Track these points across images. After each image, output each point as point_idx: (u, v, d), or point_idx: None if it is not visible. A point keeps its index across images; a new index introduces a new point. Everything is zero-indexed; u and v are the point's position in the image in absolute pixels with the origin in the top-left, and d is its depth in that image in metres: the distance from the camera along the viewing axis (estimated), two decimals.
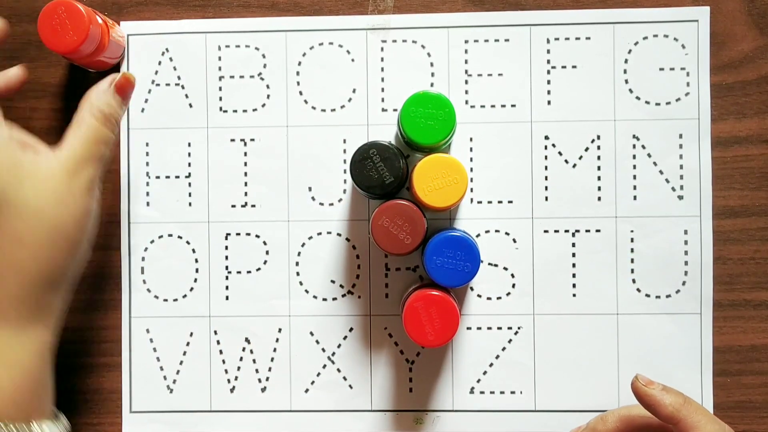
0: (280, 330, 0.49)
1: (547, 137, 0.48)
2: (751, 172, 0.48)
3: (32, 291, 0.39)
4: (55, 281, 0.40)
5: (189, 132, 0.49)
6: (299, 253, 0.49)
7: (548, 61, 0.48)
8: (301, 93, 0.49)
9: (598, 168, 0.48)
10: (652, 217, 0.48)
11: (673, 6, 0.48)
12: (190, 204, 0.49)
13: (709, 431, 0.38)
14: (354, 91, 0.49)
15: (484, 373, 0.48)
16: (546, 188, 0.48)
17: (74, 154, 0.40)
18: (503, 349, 0.48)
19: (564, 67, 0.48)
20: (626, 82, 0.48)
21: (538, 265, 0.48)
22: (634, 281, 0.48)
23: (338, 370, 0.49)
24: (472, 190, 0.48)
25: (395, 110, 0.49)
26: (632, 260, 0.48)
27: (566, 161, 0.48)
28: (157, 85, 0.49)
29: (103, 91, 0.42)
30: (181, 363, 0.49)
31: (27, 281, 0.39)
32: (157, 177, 0.49)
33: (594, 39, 0.48)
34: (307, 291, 0.49)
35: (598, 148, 0.48)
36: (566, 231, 0.48)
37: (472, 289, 0.48)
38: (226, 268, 0.49)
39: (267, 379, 0.49)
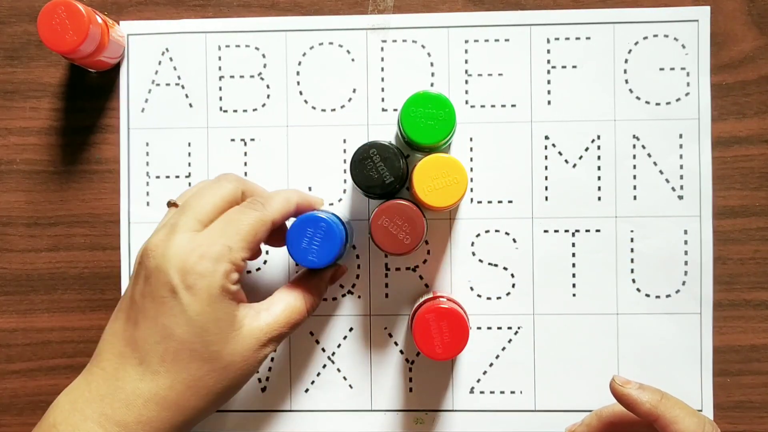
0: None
1: (547, 137, 0.48)
2: (751, 172, 0.48)
3: (177, 427, 0.39)
4: (191, 426, 0.40)
5: (189, 132, 0.49)
6: None
7: (548, 61, 0.48)
8: (301, 93, 0.49)
9: (598, 168, 0.48)
10: (652, 217, 0.48)
11: (673, 6, 0.48)
12: None
13: (688, 425, 0.39)
14: (354, 91, 0.49)
15: (484, 373, 0.48)
16: (546, 188, 0.48)
17: (274, 330, 0.41)
18: (503, 349, 0.48)
19: (564, 67, 0.48)
20: (626, 82, 0.48)
21: (538, 265, 0.48)
22: (634, 281, 0.48)
23: (338, 370, 0.49)
24: (472, 190, 0.48)
25: (395, 110, 0.49)
26: (632, 260, 0.48)
27: (566, 161, 0.48)
28: (157, 85, 0.49)
29: (322, 280, 0.44)
30: None
31: (178, 424, 0.38)
32: (157, 177, 0.49)
33: (594, 39, 0.48)
34: None
35: (598, 148, 0.48)
36: (566, 231, 0.48)
37: (472, 289, 0.48)
38: None
39: (267, 379, 0.49)
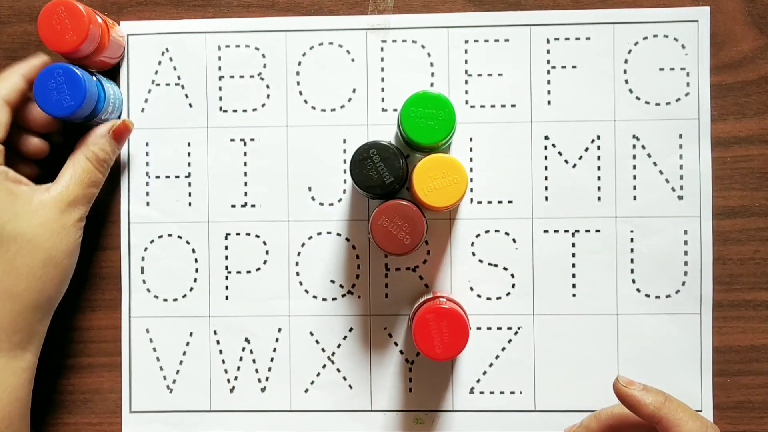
0: (279, 330, 0.49)
1: (547, 137, 0.48)
2: (751, 173, 0.48)
3: (25, 319, 0.42)
4: (45, 309, 0.43)
5: (189, 132, 0.49)
6: (299, 253, 0.49)
7: (548, 61, 0.48)
8: (301, 93, 0.49)
9: (598, 168, 0.48)
10: (652, 218, 0.48)
11: (673, 6, 0.48)
12: (189, 204, 0.49)
13: (690, 428, 0.39)
14: (354, 91, 0.49)
15: (484, 373, 0.48)
16: (546, 188, 0.48)
17: (67, 192, 0.43)
18: (503, 349, 0.48)
19: (564, 67, 0.48)
20: (626, 82, 0.48)
21: (538, 265, 0.48)
22: (633, 281, 0.48)
23: (338, 370, 0.49)
24: (472, 190, 0.48)
25: (395, 110, 0.49)
26: (632, 260, 0.48)
27: (566, 161, 0.48)
28: (157, 85, 0.49)
29: (101, 136, 0.46)
30: (180, 363, 0.49)
31: (21, 310, 0.41)
32: (157, 177, 0.49)
33: (594, 39, 0.48)
34: (306, 291, 0.49)
35: (598, 148, 0.48)
36: (566, 231, 0.48)
37: (472, 289, 0.48)
38: (226, 268, 0.49)
39: (267, 379, 0.49)
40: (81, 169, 0.44)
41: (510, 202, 0.48)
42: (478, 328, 0.48)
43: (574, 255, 0.48)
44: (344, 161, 0.49)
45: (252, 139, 0.49)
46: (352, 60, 0.49)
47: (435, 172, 0.42)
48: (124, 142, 0.47)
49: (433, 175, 0.42)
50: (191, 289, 0.49)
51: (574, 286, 0.48)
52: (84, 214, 0.45)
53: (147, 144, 0.49)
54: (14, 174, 0.43)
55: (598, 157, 0.48)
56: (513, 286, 0.48)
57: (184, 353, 0.49)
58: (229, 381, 0.49)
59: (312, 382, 0.49)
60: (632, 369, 0.48)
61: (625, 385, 0.41)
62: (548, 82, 0.48)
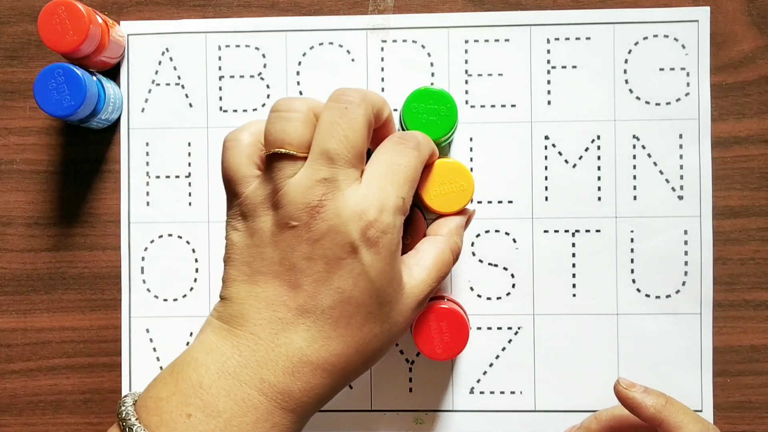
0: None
1: (547, 137, 0.48)
2: (751, 173, 0.48)
3: (337, 391, 0.36)
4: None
5: (189, 132, 0.49)
6: None
7: (548, 61, 0.48)
8: (301, 93, 0.49)
9: (598, 168, 0.48)
10: (652, 218, 0.48)
11: (673, 6, 0.48)
12: (190, 204, 0.49)
13: (691, 430, 0.39)
14: None
15: (484, 373, 0.48)
16: (546, 188, 0.48)
17: (430, 285, 0.38)
18: (503, 349, 0.48)
19: (564, 67, 0.48)
20: (626, 82, 0.48)
21: (538, 265, 0.48)
22: (634, 281, 0.48)
23: None
24: None
25: (395, 110, 0.49)
26: (632, 260, 0.48)
27: (566, 161, 0.48)
28: (157, 84, 0.49)
29: (460, 227, 0.41)
30: None
31: (341, 385, 0.36)
32: (157, 177, 0.49)
33: (594, 39, 0.48)
34: None
35: (598, 148, 0.48)
36: (566, 231, 0.48)
37: (472, 289, 0.48)
38: None
39: None
40: (444, 260, 0.38)
41: (510, 202, 0.48)
42: (478, 328, 0.48)
43: (574, 255, 0.48)
44: None
45: None
46: (352, 60, 0.49)
47: (442, 178, 0.41)
48: None
49: (440, 181, 0.41)
50: (191, 289, 0.49)
51: (574, 286, 0.48)
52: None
53: (147, 144, 0.49)
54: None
55: (598, 157, 0.48)
56: (513, 286, 0.48)
57: None
58: None
59: None
60: (632, 369, 0.48)
61: (626, 387, 0.41)
62: (548, 82, 0.48)
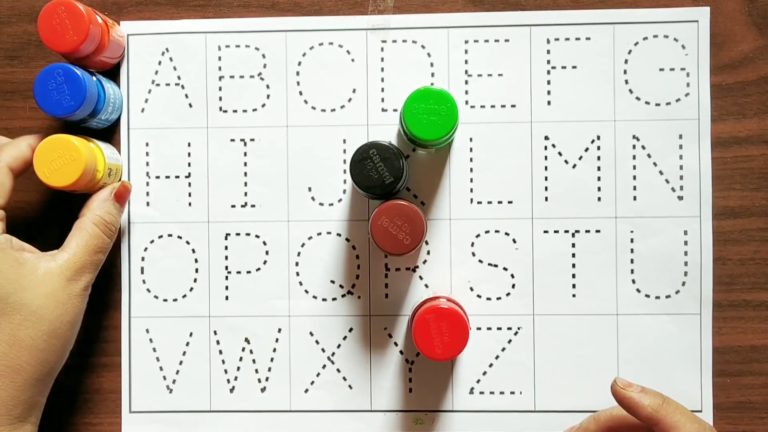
0: (279, 330, 0.49)
1: (547, 137, 0.48)
2: (751, 173, 0.48)
3: (26, 392, 0.40)
4: (47, 381, 0.42)
5: (189, 132, 0.49)
6: (299, 253, 0.49)
7: (548, 62, 0.48)
8: (301, 93, 0.49)
9: (598, 168, 0.48)
10: (652, 218, 0.48)
11: (673, 6, 0.48)
12: (190, 204, 0.49)
13: (688, 430, 0.39)
14: (354, 91, 0.49)
15: (484, 373, 0.48)
16: (546, 188, 0.48)
17: (75, 259, 0.42)
18: (503, 349, 0.48)
19: (564, 67, 0.48)
20: (626, 82, 0.48)
21: (537, 266, 0.48)
22: (633, 281, 0.48)
23: (338, 371, 0.49)
24: (472, 190, 0.48)
25: (395, 110, 0.49)
26: (632, 260, 0.48)
27: (566, 161, 0.48)
28: (157, 85, 0.49)
29: (104, 200, 0.45)
30: (180, 363, 0.49)
31: (22, 383, 0.40)
32: (157, 177, 0.49)
33: (594, 39, 0.48)
34: (306, 291, 0.49)
35: (598, 148, 0.48)
36: (566, 231, 0.48)
37: (471, 289, 0.48)
38: (226, 268, 0.49)
39: (267, 379, 0.49)
40: (88, 235, 0.43)
41: (510, 202, 0.48)
42: (478, 329, 0.48)
43: (574, 255, 0.48)
44: (344, 161, 0.49)
45: (252, 139, 0.49)
46: (352, 60, 0.49)
47: (49, 155, 0.43)
48: (126, 203, 0.47)
49: (48, 159, 0.43)
50: (191, 289, 0.49)
51: (574, 286, 0.48)
52: (90, 282, 0.43)
53: (147, 144, 0.49)
54: (18, 242, 0.43)
55: (598, 158, 0.48)
56: (513, 286, 0.48)
57: (184, 353, 0.49)
58: (228, 381, 0.49)
59: (312, 383, 0.49)
60: (632, 369, 0.48)
61: (623, 387, 0.41)
62: (548, 82, 0.48)
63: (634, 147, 0.48)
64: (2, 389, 0.39)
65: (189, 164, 0.49)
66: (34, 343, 0.40)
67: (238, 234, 0.49)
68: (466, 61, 0.48)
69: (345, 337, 0.49)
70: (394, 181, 0.43)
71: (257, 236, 0.49)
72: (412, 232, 0.43)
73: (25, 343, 0.39)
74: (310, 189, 0.49)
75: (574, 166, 0.48)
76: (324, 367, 0.49)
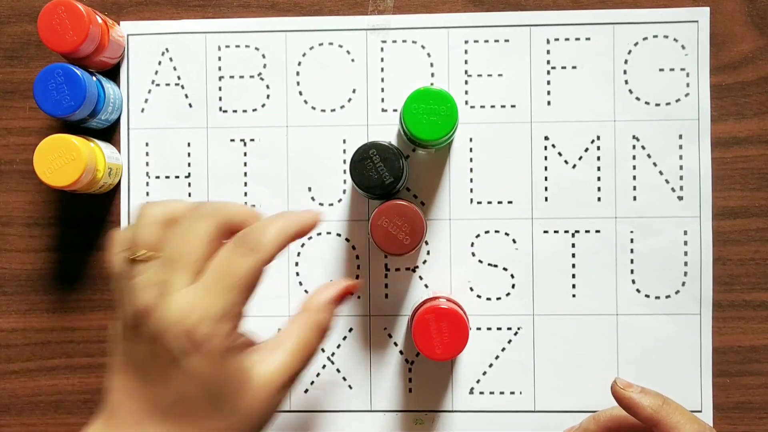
0: (279, 330, 0.49)
1: (546, 137, 0.48)
2: (751, 173, 0.48)
3: None
4: None
5: (189, 132, 0.49)
6: (299, 254, 0.49)
7: (548, 62, 0.48)
8: (301, 93, 0.49)
9: (598, 168, 0.48)
10: (652, 218, 0.48)
11: (673, 7, 0.48)
12: None
13: (688, 430, 0.39)
14: (354, 91, 0.49)
15: (484, 373, 0.48)
16: (546, 189, 0.48)
17: (291, 370, 0.38)
18: (503, 349, 0.48)
19: (564, 67, 0.48)
20: (626, 82, 0.48)
21: (537, 266, 0.48)
22: (633, 282, 0.48)
23: (338, 371, 0.49)
24: (471, 190, 0.48)
25: (395, 110, 0.49)
26: (632, 261, 0.48)
27: (566, 162, 0.48)
28: (157, 85, 0.49)
29: (330, 302, 0.41)
30: None
31: None
32: (157, 177, 0.49)
33: (594, 39, 0.48)
34: (306, 291, 0.49)
35: (598, 148, 0.48)
36: (566, 231, 0.48)
37: (471, 289, 0.48)
38: None
39: None
40: (306, 343, 0.39)
41: (510, 202, 0.48)
42: (478, 329, 0.48)
43: (574, 255, 0.48)
44: (344, 161, 0.49)
45: (252, 139, 0.49)
46: (352, 60, 0.49)
47: (51, 153, 0.43)
48: None
49: (49, 158, 0.43)
50: None
51: (573, 286, 0.48)
52: (292, 389, 0.40)
53: (147, 144, 0.49)
54: (247, 338, 0.39)
55: (598, 158, 0.48)
56: (513, 286, 0.48)
57: None
58: None
59: (312, 383, 0.49)
60: (632, 369, 0.48)
61: (623, 387, 0.41)
62: (548, 82, 0.48)
63: (634, 147, 0.48)
64: None
65: (189, 164, 0.49)
66: None
67: None
68: (466, 61, 0.48)
69: (345, 337, 0.49)
70: (394, 181, 0.43)
71: None
72: (411, 232, 0.43)
73: None
74: (310, 189, 0.49)
75: (574, 166, 0.48)
76: (324, 367, 0.49)
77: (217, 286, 0.36)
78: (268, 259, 0.37)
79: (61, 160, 0.43)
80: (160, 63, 0.49)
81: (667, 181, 0.48)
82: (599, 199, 0.48)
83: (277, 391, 0.38)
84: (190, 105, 0.49)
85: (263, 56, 0.49)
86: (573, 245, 0.48)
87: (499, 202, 0.48)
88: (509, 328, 0.48)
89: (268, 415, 0.38)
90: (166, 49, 0.49)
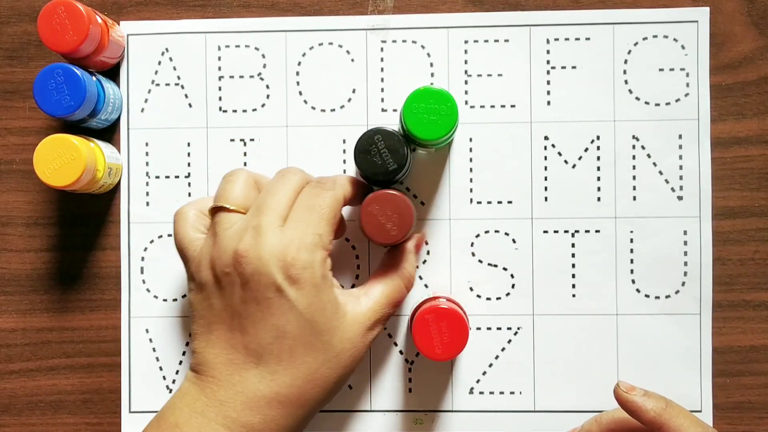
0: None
1: (546, 137, 0.48)
2: (751, 173, 0.48)
3: (302, 424, 0.40)
4: (311, 418, 0.41)
5: (189, 132, 0.49)
6: None
7: (548, 62, 0.48)
8: (300, 93, 0.49)
9: (598, 168, 0.48)
10: (652, 218, 0.48)
11: (673, 7, 0.48)
12: None
13: None
14: (354, 91, 0.49)
15: (484, 373, 0.48)
16: (545, 189, 0.48)
17: (377, 309, 0.42)
18: (503, 349, 0.48)
19: (564, 67, 0.48)
20: (626, 82, 0.48)
21: (537, 266, 0.48)
22: (633, 282, 0.48)
23: None
24: (471, 190, 0.48)
25: (395, 110, 0.49)
26: (632, 261, 0.48)
27: (566, 162, 0.48)
28: (157, 85, 0.49)
29: (411, 252, 0.45)
30: (180, 363, 0.49)
31: (303, 416, 0.39)
32: (157, 177, 0.49)
33: (594, 39, 0.48)
34: None
35: (598, 148, 0.48)
36: (566, 231, 0.48)
37: (471, 289, 0.48)
38: None
39: None
40: (393, 289, 0.43)
41: (510, 202, 0.48)
42: (478, 329, 0.48)
43: (573, 255, 0.48)
44: (344, 161, 0.49)
45: (252, 139, 0.49)
46: (352, 60, 0.49)
47: (51, 153, 0.43)
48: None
49: (49, 157, 0.43)
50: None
51: (573, 286, 0.48)
52: (378, 334, 0.43)
53: (147, 144, 0.49)
54: (334, 280, 0.41)
55: (598, 158, 0.48)
56: (513, 286, 0.48)
57: (184, 353, 0.49)
58: None
59: None
60: (632, 369, 0.48)
61: (626, 390, 0.41)
62: (548, 82, 0.48)
63: (633, 147, 0.48)
64: (287, 418, 0.39)
65: (189, 164, 0.49)
66: (327, 384, 0.40)
67: None
68: (465, 62, 0.48)
69: None
70: (398, 168, 0.42)
71: None
72: (399, 223, 0.42)
73: (319, 382, 0.39)
74: None
75: (574, 166, 0.48)
76: None
77: (306, 220, 0.39)
78: (344, 193, 0.42)
79: (61, 160, 0.43)
80: (160, 63, 0.49)
81: (666, 181, 0.48)
82: (599, 199, 0.48)
83: (366, 330, 0.41)
84: (190, 105, 0.49)
85: (263, 56, 0.49)
86: (573, 245, 0.48)
87: (499, 202, 0.48)
88: (509, 328, 0.48)
89: (358, 355, 0.41)
90: (166, 49, 0.49)
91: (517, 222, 0.48)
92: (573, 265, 0.48)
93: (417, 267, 0.47)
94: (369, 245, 0.49)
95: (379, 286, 0.43)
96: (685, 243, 0.48)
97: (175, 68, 0.49)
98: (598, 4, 0.48)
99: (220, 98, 0.49)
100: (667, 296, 0.48)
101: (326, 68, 0.49)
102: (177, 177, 0.49)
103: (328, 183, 0.41)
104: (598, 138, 0.48)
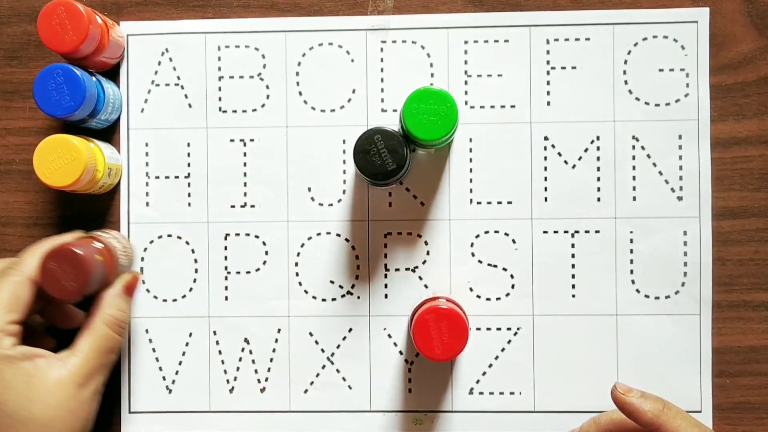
0: (279, 330, 0.49)
1: (546, 138, 0.48)
2: (751, 173, 0.48)
3: None
4: None
5: (188, 132, 0.49)
6: (298, 254, 0.49)
7: (548, 62, 0.48)
8: (300, 93, 0.49)
9: (598, 169, 0.48)
10: (652, 218, 0.48)
11: (673, 7, 0.48)
12: (189, 204, 0.49)
13: None
14: (354, 91, 0.49)
15: (484, 373, 0.48)
16: (545, 189, 0.48)
17: (85, 364, 0.41)
18: (502, 349, 0.48)
19: (563, 67, 0.48)
20: (626, 83, 0.48)
21: (537, 266, 0.48)
22: (633, 282, 0.48)
23: (337, 371, 0.49)
24: (471, 190, 0.48)
25: (395, 110, 0.49)
26: (632, 261, 0.48)
27: (566, 162, 0.48)
28: (157, 85, 0.49)
29: (115, 296, 0.44)
30: (180, 363, 0.49)
31: None
32: (157, 177, 0.49)
33: (593, 40, 0.48)
34: (306, 291, 0.49)
35: (598, 148, 0.48)
36: (566, 232, 0.48)
37: (471, 289, 0.48)
38: (226, 268, 0.49)
39: (266, 379, 0.49)
40: (99, 337, 0.42)
41: (509, 202, 0.48)
42: (478, 329, 0.48)
43: (573, 256, 0.48)
44: (344, 162, 0.49)
45: (252, 140, 0.49)
46: (352, 60, 0.49)
47: (51, 153, 0.43)
48: (135, 294, 0.46)
49: (49, 158, 0.43)
50: (191, 289, 0.49)
51: (573, 286, 0.48)
52: (102, 383, 0.42)
53: (147, 144, 0.49)
54: (30, 350, 0.41)
55: (598, 158, 0.48)
56: (512, 286, 0.48)
57: (184, 353, 0.49)
58: (228, 381, 0.49)
59: (311, 383, 0.49)
60: (631, 370, 0.48)
61: (623, 392, 0.41)
62: (548, 82, 0.48)
63: (633, 147, 0.48)
64: None
65: (189, 164, 0.49)
66: None
67: (237, 234, 0.49)
68: (465, 62, 0.48)
69: (344, 338, 0.49)
70: (397, 168, 0.42)
71: (257, 236, 0.49)
72: (77, 278, 0.41)
73: None
74: (309, 189, 0.49)
75: (574, 166, 0.48)
76: (323, 367, 0.49)
77: None
78: (28, 273, 0.41)
79: (61, 161, 0.43)
80: (159, 63, 0.49)
81: (666, 182, 0.48)
82: (599, 199, 0.48)
83: (78, 387, 0.40)
84: (190, 105, 0.49)
85: (263, 56, 0.49)
86: (573, 245, 0.48)
87: (499, 203, 0.48)
88: (509, 329, 0.48)
89: (78, 413, 0.40)
90: (166, 49, 0.49)
91: (517, 222, 0.48)
92: (573, 266, 0.48)
93: (128, 308, 0.45)
94: (369, 245, 0.49)
95: (85, 339, 0.42)
96: (685, 243, 0.48)
97: (175, 68, 0.49)
98: (598, 5, 0.48)
99: (220, 98, 0.49)
100: (667, 296, 0.48)
101: (326, 68, 0.49)
102: (177, 177, 0.49)
103: (10, 267, 0.41)
104: (598, 138, 0.48)
